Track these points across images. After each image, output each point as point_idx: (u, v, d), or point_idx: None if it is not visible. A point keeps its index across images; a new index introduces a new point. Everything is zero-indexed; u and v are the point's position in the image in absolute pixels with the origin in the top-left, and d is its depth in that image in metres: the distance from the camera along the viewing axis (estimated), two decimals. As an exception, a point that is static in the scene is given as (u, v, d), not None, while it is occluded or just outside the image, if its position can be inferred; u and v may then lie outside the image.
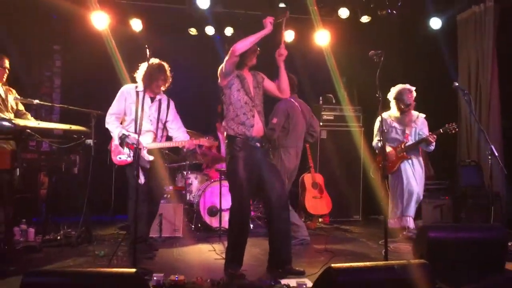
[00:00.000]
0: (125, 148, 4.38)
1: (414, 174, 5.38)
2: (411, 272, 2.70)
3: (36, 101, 4.89)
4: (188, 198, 6.19)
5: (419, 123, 5.47)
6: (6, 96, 4.80)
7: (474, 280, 3.38)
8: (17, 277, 3.11)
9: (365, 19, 6.96)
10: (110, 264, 3.99)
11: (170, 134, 4.73)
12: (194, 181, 6.39)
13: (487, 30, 6.51)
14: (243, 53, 3.81)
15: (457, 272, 3.41)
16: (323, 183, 6.32)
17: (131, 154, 4.33)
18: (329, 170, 6.78)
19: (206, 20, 7.00)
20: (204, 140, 4.58)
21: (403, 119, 5.46)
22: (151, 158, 4.48)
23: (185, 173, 6.31)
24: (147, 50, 3.79)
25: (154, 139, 4.56)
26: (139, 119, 3.87)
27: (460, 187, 6.42)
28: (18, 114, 4.90)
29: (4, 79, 4.80)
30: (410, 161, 5.40)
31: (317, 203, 6.21)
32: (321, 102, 7.17)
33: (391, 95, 5.46)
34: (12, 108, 4.84)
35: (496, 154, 4.49)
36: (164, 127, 4.70)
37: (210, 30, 7.20)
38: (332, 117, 7.14)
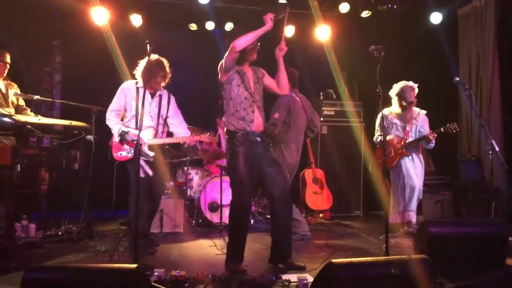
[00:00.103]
0: (127, 144, 4.38)
1: (415, 169, 5.38)
2: (409, 271, 2.71)
3: (37, 97, 4.88)
4: (188, 193, 6.20)
5: (420, 120, 5.46)
6: (7, 91, 4.79)
7: (474, 275, 3.38)
8: (18, 273, 3.12)
9: (365, 14, 6.95)
10: (111, 260, 3.99)
11: (171, 130, 4.72)
12: (195, 176, 6.39)
13: (488, 24, 6.49)
14: (243, 49, 3.80)
15: (457, 267, 3.42)
16: (324, 179, 6.32)
17: (132, 151, 4.32)
18: (329, 166, 6.78)
19: (206, 15, 6.99)
20: (204, 137, 4.58)
21: (404, 116, 5.46)
22: (152, 154, 4.48)
23: (185, 168, 6.32)
24: (148, 46, 3.78)
25: (155, 135, 4.56)
26: (139, 115, 3.86)
27: (460, 182, 6.42)
28: (18, 109, 4.89)
29: (5, 74, 4.79)
30: (410, 157, 5.40)
31: (318, 198, 6.21)
32: (321, 97, 7.17)
33: (393, 91, 5.45)
34: (12, 103, 4.83)
35: (497, 149, 4.48)
36: (165, 123, 4.69)
37: (210, 25, 7.18)
38: (332, 113, 7.14)
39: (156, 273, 3.31)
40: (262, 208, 6.61)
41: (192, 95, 6.62)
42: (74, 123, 4.79)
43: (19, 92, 4.90)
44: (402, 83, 5.41)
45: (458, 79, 4.95)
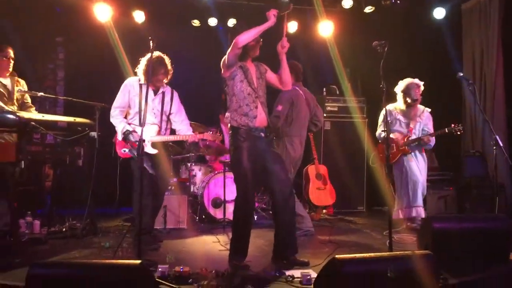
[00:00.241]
0: (129, 144, 4.39)
1: (417, 165, 5.37)
2: (409, 270, 2.71)
3: (40, 94, 4.89)
4: (192, 190, 6.21)
5: (424, 117, 5.46)
6: (13, 87, 4.79)
7: (478, 270, 3.38)
8: (23, 269, 3.13)
9: (368, 9, 6.92)
10: (115, 256, 4.00)
11: (173, 127, 4.73)
12: (198, 172, 6.40)
13: (492, 20, 6.45)
14: (246, 45, 3.80)
15: (461, 263, 3.42)
16: (327, 174, 6.32)
17: (135, 153, 4.32)
18: (333, 161, 6.78)
19: (209, 11, 6.98)
20: (207, 135, 4.58)
21: (408, 113, 5.45)
22: (155, 151, 4.49)
23: (189, 165, 6.32)
24: (151, 42, 3.77)
25: (158, 132, 4.56)
26: (143, 112, 3.87)
27: (464, 177, 6.41)
28: (24, 106, 4.89)
29: (10, 69, 4.79)
30: (412, 153, 5.39)
31: (321, 194, 6.21)
32: (324, 93, 7.15)
33: (399, 88, 5.43)
34: (17, 100, 4.84)
35: (501, 144, 4.46)
36: (168, 120, 4.70)
37: (213, 21, 7.17)
38: (335, 108, 7.13)
39: (159, 269, 3.32)
40: (265, 204, 6.61)
41: (195, 91, 6.62)
42: (77, 119, 4.79)
43: (26, 89, 4.91)
44: (408, 80, 5.39)
45: (461, 74, 4.94)
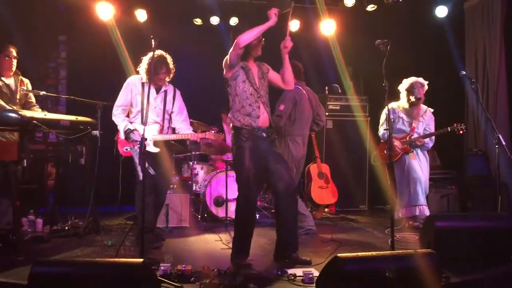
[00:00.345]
0: (131, 142, 4.40)
1: (419, 164, 5.36)
2: (408, 269, 2.71)
3: (43, 92, 4.89)
4: (194, 188, 6.21)
5: (427, 118, 5.45)
6: (16, 87, 4.79)
7: (481, 269, 3.38)
8: (25, 267, 3.15)
9: (371, 7, 6.92)
10: (118, 254, 4.01)
11: (173, 126, 4.74)
12: (200, 171, 6.40)
13: (495, 18, 6.44)
14: (248, 44, 3.79)
15: (464, 262, 3.41)
16: (329, 173, 6.32)
17: (136, 151, 4.33)
18: (335, 160, 6.77)
19: (211, 10, 6.98)
20: (210, 134, 4.58)
21: (411, 112, 5.44)
22: (156, 150, 4.49)
23: (191, 163, 6.33)
24: (153, 41, 3.77)
25: (161, 131, 4.57)
26: (144, 111, 3.87)
27: (467, 176, 6.41)
28: (27, 105, 4.89)
29: (13, 69, 4.78)
30: (414, 151, 5.39)
31: (323, 193, 6.21)
32: (326, 92, 7.14)
33: (403, 86, 5.42)
34: (20, 100, 4.84)
35: (504, 143, 4.45)
36: (171, 118, 4.70)
37: (215, 20, 7.17)
38: (338, 107, 7.12)
39: (162, 268, 3.33)
40: (267, 203, 6.61)
41: (197, 90, 6.63)
42: (80, 118, 4.80)
43: (30, 88, 4.91)
44: (412, 79, 5.38)
45: (464, 73, 4.92)
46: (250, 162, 3.77)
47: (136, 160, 4.41)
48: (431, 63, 6.84)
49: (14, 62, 4.76)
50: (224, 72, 3.94)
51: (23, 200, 4.66)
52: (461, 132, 5.17)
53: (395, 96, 5.51)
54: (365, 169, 7.09)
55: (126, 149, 4.48)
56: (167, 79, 4.62)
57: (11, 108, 4.39)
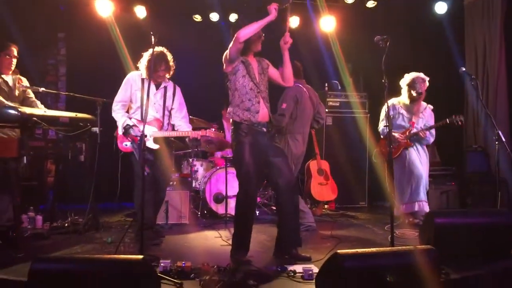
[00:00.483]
0: (130, 138, 4.39)
1: (419, 158, 5.36)
2: (409, 266, 2.71)
3: (42, 89, 4.88)
4: (194, 185, 6.21)
5: (427, 114, 5.44)
6: (14, 85, 4.79)
7: (480, 265, 3.38)
8: (25, 264, 3.14)
9: (371, 4, 6.91)
10: (118, 251, 4.01)
11: (172, 122, 4.73)
12: (200, 168, 6.40)
13: (495, 14, 6.43)
14: (248, 40, 3.78)
15: (463, 258, 3.42)
16: (328, 170, 6.32)
17: (135, 147, 4.33)
18: (334, 157, 6.77)
19: (210, 6, 6.96)
20: (210, 132, 4.58)
21: (411, 108, 5.42)
22: (156, 146, 4.49)
23: (190, 160, 6.33)
24: (152, 37, 3.76)
25: (160, 127, 4.56)
26: (144, 107, 3.86)
27: (466, 173, 6.41)
28: (27, 101, 4.88)
29: (13, 68, 4.79)
30: (414, 147, 5.38)
31: (323, 189, 6.21)
32: (326, 88, 7.13)
33: (404, 81, 5.40)
34: (18, 98, 4.83)
35: (503, 139, 4.45)
36: (170, 115, 4.70)
37: (214, 17, 7.16)
38: (337, 104, 7.11)
39: (162, 264, 3.33)
40: (267, 199, 6.62)
41: (197, 86, 6.62)
42: (79, 115, 4.80)
43: (24, 85, 4.90)
44: (414, 74, 5.36)
45: (464, 69, 4.92)
46: (250, 157, 3.77)
47: (136, 156, 4.40)
48: (431, 60, 6.83)
49: (14, 61, 4.76)
50: (224, 67, 3.94)
51: (23, 197, 4.66)
52: (459, 123, 5.15)
53: (395, 93, 5.50)
54: (365, 165, 7.09)
55: (126, 145, 4.47)
56: (167, 76, 4.61)
57: (11, 105, 4.39)
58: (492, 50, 6.50)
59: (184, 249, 4.37)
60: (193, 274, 3.25)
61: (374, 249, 2.90)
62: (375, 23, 6.91)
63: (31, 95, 4.97)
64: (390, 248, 3.49)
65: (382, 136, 5.60)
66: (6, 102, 4.45)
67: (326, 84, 7.16)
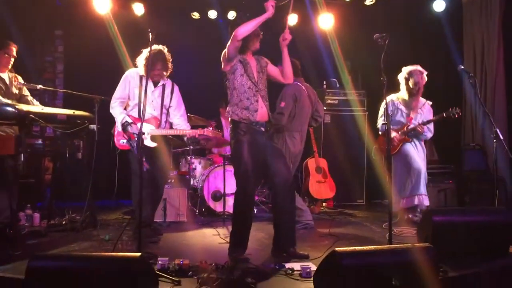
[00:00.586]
0: (127, 135, 4.38)
1: (417, 154, 5.34)
2: (407, 264, 2.71)
3: (40, 86, 4.87)
4: (192, 183, 6.20)
5: (425, 110, 5.42)
6: (11, 83, 4.78)
7: (478, 263, 3.39)
8: (22, 261, 3.13)
9: (369, 1, 6.89)
10: (115, 249, 4.00)
11: (171, 120, 4.73)
12: (198, 166, 6.40)
13: (493, 12, 6.43)
14: (246, 38, 3.78)
15: (461, 256, 3.42)
16: (327, 168, 6.31)
17: (132, 144, 4.32)
18: (333, 155, 6.77)
19: (208, 3, 6.95)
20: (208, 131, 4.57)
21: (410, 103, 5.41)
22: (153, 144, 4.48)
23: (189, 158, 6.31)
24: (150, 34, 3.75)
25: (158, 125, 4.55)
26: (142, 104, 3.85)
27: (464, 171, 6.41)
28: (23, 99, 4.88)
29: (10, 67, 4.78)
30: (412, 142, 5.37)
31: (321, 187, 6.21)
32: (324, 86, 7.13)
33: (402, 75, 5.38)
34: (15, 95, 4.82)
35: (501, 137, 4.45)
36: (168, 113, 4.69)
37: (213, 14, 7.14)
38: (336, 102, 7.11)
39: (159, 262, 3.32)
40: (265, 197, 6.61)
41: (195, 84, 6.61)
42: (77, 112, 4.78)
43: (21, 82, 4.88)
44: (411, 67, 5.35)
45: (462, 67, 4.92)
46: (248, 156, 3.76)
47: (135, 152, 4.39)
48: (429, 58, 6.81)
49: (12, 60, 4.76)
50: (222, 66, 3.94)
51: (21, 195, 4.65)
52: (456, 116, 5.14)
53: (394, 91, 5.50)
54: (363, 163, 7.10)
55: (123, 142, 4.46)
56: (166, 74, 4.59)
57: (8, 102, 4.37)
58: (490, 48, 6.50)
59: (182, 247, 4.37)
60: (191, 272, 3.24)
61: (372, 247, 2.90)
62: (374, 20, 6.90)
63: (27, 93, 4.97)
64: (388, 246, 3.49)
65: (380, 133, 5.59)
66: (3, 99, 4.43)
67: (325, 82, 7.15)
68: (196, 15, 7.22)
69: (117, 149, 4.59)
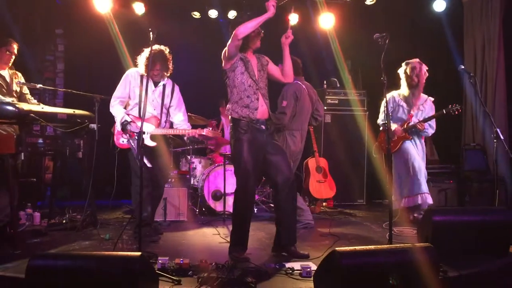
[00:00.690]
0: (127, 134, 4.38)
1: (417, 152, 5.32)
2: (407, 264, 2.71)
3: (40, 86, 4.88)
4: (192, 182, 6.21)
5: (427, 107, 5.38)
6: (11, 80, 4.79)
7: (479, 263, 3.39)
8: (23, 261, 3.14)
9: (370, 1, 6.89)
10: (116, 248, 4.00)
11: (171, 120, 4.73)
12: (198, 165, 6.40)
13: (494, 12, 6.43)
14: (246, 36, 3.77)
15: (462, 256, 3.42)
16: (327, 167, 6.31)
17: (132, 143, 4.31)
18: (333, 154, 6.77)
19: (209, 3, 6.95)
20: (208, 131, 4.57)
21: (411, 100, 5.36)
22: (153, 144, 4.48)
23: (189, 157, 6.32)
24: (151, 34, 3.75)
25: (158, 124, 4.55)
26: (142, 104, 3.85)
27: (464, 171, 6.41)
28: (22, 98, 4.88)
29: (10, 64, 4.79)
30: (412, 140, 5.34)
31: (321, 187, 6.21)
32: (325, 86, 7.13)
33: (402, 69, 5.35)
34: (16, 92, 4.83)
35: (502, 137, 4.45)
36: (168, 112, 4.69)
37: (213, 13, 7.14)
38: (336, 101, 7.10)
39: (160, 261, 3.32)
40: (265, 197, 6.62)
41: (195, 83, 6.61)
42: (77, 111, 4.78)
43: (23, 81, 4.89)
44: (410, 60, 5.32)
45: (463, 67, 4.91)
46: (249, 155, 3.76)
47: (134, 151, 4.39)
48: (430, 57, 6.77)
49: (13, 58, 4.76)
50: (223, 64, 3.93)
51: (21, 194, 4.65)
52: (456, 113, 5.11)
53: (395, 90, 5.49)
54: (363, 163, 7.10)
55: (123, 141, 4.46)
56: (166, 74, 4.59)
57: (8, 101, 4.37)
58: (491, 49, 6.50)
59: (182, 246, 4.36)
60: (191, 271, 3.24)
61: (372, 247, 2.90)
62: (374, 20, 6.90)
63: (27, 91, 4.97)
64: (388, 245, 3.49)
65: (381, 129, 5.56)
66: (3, 98, 4.43)
67: (325, 82, 7.15)
68: (196, 14, 7.23)
69: (116, 148, 4.59)
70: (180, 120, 4.71)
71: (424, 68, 5.28)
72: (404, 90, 5.40)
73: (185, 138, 4.86)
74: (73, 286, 2.57)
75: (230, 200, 5.46)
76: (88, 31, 6.52)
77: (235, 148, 3.87)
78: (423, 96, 5.41)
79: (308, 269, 3.27)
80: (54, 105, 6.46)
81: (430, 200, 5.19)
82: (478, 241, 3.55)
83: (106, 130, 4.85)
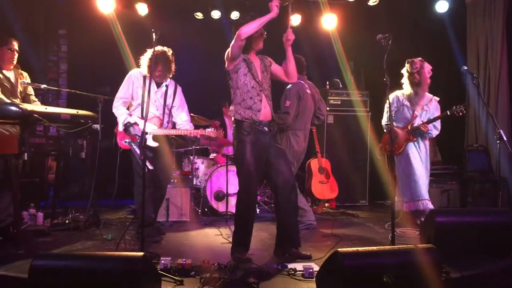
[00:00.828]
0: (129, 136, 4.39)
1: (420, 156, 5.29)
2: (409, 265, 2.71)
3: (44, 86, 4.88)
4: (194, 182, 6.21)
5: (432, 107, 5.30)
6: (16, 81, 4.78)
7: (481, 264, 3.38)
8: (26, 261, 3.14)
9: (372, 2, 6.88)
10: (118, 248, 4.01)
11: (174, 121, 4.74)
12: (201, 165, 6.40)
13: (497, 13, 6.41)
14: (249, 37, 3.78)
15: (464, 257, 3.42)
16: (329, 168, 6.31)
17: (134, 146, 4.32)
18: (335, 155, 6.76)
19: (212, 3, 6.95)
20: (210, 131, 4.58)
21: (414, 99, 5.31)
22: (155, 144, 4.49)
23: (191, 157, 6.33)
24: (154, 35, 3.75)
25: (160, 125, 4.56)
26: (145, 104, 3.86)
27: (467, 172, 6.40)
28: (27, 98, 4.89)
29: (14, 62, 4.78)
30: (416, 143, 5.30)
31: (324, 188, 6.21)
32: (327, 86, 7.12)
33: (405, 68, 5.32)
34: (20, 92, 4.84)
35: (505, 138, 4.44)
36: (171, 113, 4.70)
37: (216, 14, 7.15)
38: (339, 102, 7.10)
39: (162, 261, 3.33)
40: (268, 198, 6.62)
41: (198, 84, 6.62)
42: (80, 112, 4.79)
43: (29, 81, 4.90)
44: (413, 59, 5.30)
45: (466, 68, 4.89)
46: (251, 156, 3.77)
47: (136, 154, 4.40)
48: (432, 58, 6.73)
49: (16, 55, 4.76)
50: (226, 65, 3.93)
51: (24, 194, 4.66)
52: (461, 114, 5.06)
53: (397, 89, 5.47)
54: (366, 164, 7.09)
55: (125, 142, 4.47)
56: (168, 75, 4.60)
57: (11, 102, 4.39)
58: (494, 49, 6.48)
59: (185, 246, 4.37)
60: (193, 272, 3.25)
61: (374, 248, 2.90)
62: (377, 21, 6.89)
63: (32, 92, 4.97)
64: (390, 246, 3.49)
65: (385, 131, 5.52)
66: (6, 99, 4.44)
67: (328, 82, 7.15)
68: (199, 15, 7.23)
69: (119, 148, 4.60)
70: (183, 120, 4.72)
71: (427, 67, 5.23)
72: (407, 89, 5.35)
73: (187, 138, 4.87)
74: (76, 286, 2.58)
75: (232, 201, 5.46)
76: (91, 32, 6.53)
77: (237, 149, 3.87)
78: (428, 95, 5.35)
79: (311, 270, 3.27)
80: (58, 105, 6.47)
81: (431, 206, 5.17)
82: (480, 242, 3.55)
83: (109, 131, 4.86)
